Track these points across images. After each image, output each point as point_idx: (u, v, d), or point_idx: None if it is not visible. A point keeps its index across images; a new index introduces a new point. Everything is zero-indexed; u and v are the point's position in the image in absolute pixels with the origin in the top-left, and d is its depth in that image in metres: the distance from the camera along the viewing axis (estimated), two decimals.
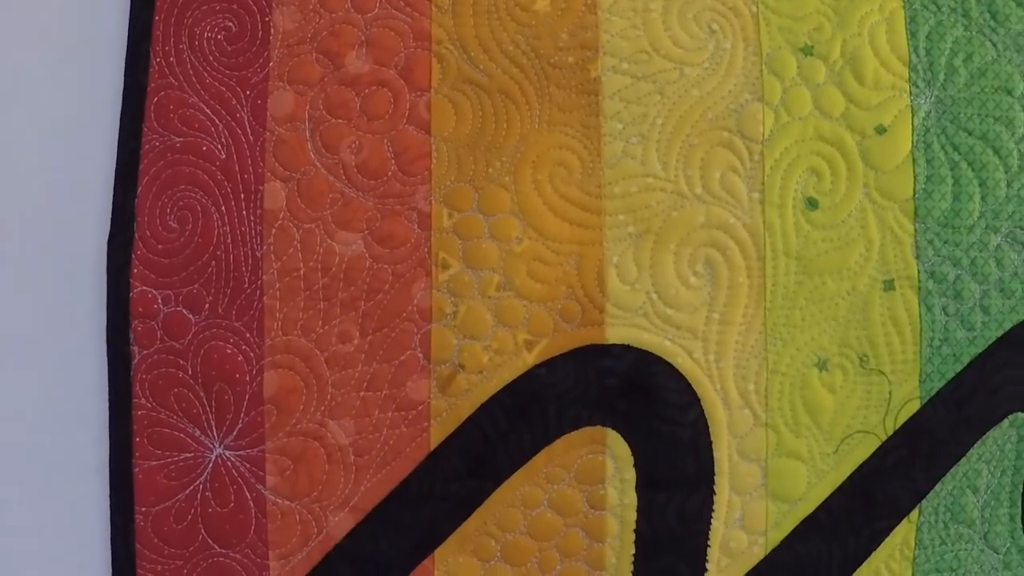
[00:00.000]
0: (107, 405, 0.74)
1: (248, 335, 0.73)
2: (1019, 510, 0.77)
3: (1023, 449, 0.77)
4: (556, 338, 0.73)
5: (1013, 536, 0.77)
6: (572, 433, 0.74)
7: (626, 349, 0.73)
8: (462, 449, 0.73)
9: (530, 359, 0.73)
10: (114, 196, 0.74)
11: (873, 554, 0.76)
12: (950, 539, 0.77)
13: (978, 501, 0.77)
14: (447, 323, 0.73)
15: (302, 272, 0.73)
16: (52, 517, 0.76)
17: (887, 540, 0.76)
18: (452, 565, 0.75)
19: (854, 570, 0.76)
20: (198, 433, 0.74)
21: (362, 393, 0.73)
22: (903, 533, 0.76)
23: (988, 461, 0.76)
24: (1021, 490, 0.77)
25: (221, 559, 0.75)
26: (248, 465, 0.74)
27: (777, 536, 0.75)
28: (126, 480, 0.74)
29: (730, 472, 0.75)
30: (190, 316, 0.74)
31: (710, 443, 0.74)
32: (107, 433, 0.75)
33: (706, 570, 0.75)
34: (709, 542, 0.75)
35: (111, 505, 0.75)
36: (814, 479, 0.75)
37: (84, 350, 0.75)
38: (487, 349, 0.73)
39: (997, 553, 0.77)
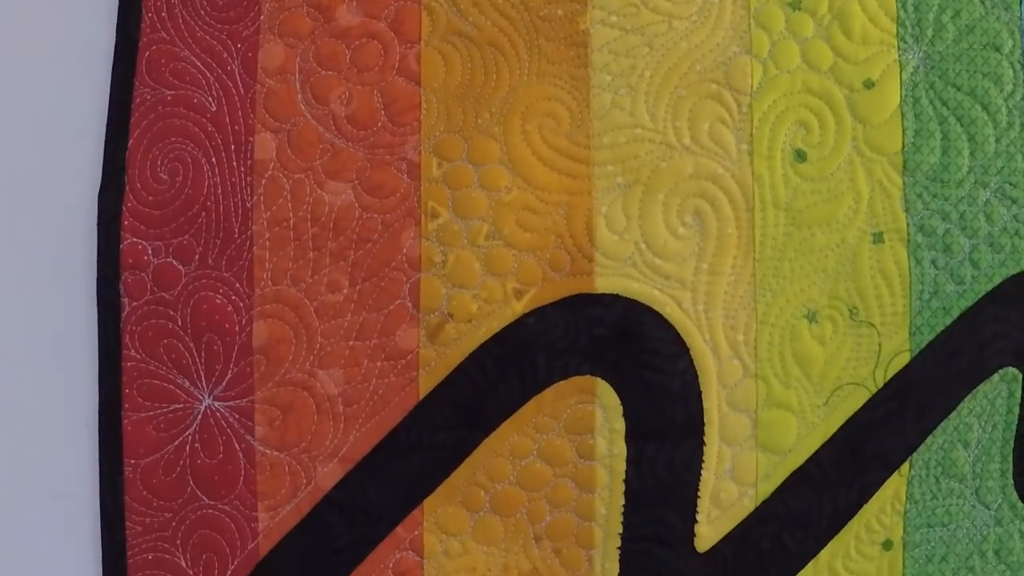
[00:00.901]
0: (96, 358, 0.74)
1: (238, 285, 0.73)
2: (1010, 465, 0.77)
3: (1013, 404, 0.77)
4: (545, 287, 0.73)
5: (1004, 492, 0.77)
6: (561, 382, 0.73)
7: (615, 298, 0.73)
8: (451, 398, 0.73)
9: (519, 308, 0.73)
10: (105, 149, 0.74)
11: (864, 507, 0.76)
12: (941, 494, 0.76)
13: (969, 456, 0.76)
14: (436, 272, 0.73)
15: (292, 222, 0.73)
16: (41, 472, 0.75)
17: (878, 493, 0.76)
18: (441, 516, 0.74)
19: (845, 523, 0.76)
20: (187, 384, 0.74)
21: (351, 342, 0.73)
22: (894, 487, 0.76)
23: (979, 416, 0.76)
24: (1012, 445, 0.77)
25: (210, 511, 0.74)
26: (237, 416, 0.74)
27: (767, 488, 0.75)
28: (115, 433, 0.74)
29: (720, 423, 0.74)
30: (180, 267, 0.74)
31: (699, 393, 0.74)
32: (96, 386, 0.74)
33: (696, 521, 0.75)
34: (699, 493, 0.75)
35: (100, 458, 0.74)
36: (804, 431, 0.75)
37: (74, 303, 0.75)
38: (476, 298, 0.73)
39: (988, 509, 0.77)
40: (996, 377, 0.76)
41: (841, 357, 0.75)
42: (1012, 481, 0.77)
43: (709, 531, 0.75)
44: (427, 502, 0.74)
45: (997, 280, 0.76)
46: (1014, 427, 0.77)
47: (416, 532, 0.74)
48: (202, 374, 0.74)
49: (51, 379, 0.75)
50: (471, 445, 0.74)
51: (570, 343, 0.73)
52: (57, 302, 0.75)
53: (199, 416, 0.74)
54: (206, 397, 0.74)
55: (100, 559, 0.76)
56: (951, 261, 0.76)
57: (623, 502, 0.74)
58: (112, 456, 0.74)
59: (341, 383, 0.73)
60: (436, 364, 0.73)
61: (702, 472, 0.74)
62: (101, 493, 0.75)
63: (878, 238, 0.75)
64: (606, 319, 0.73)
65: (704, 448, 0.74)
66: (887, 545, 0.76)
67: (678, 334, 0.74)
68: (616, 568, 0.75)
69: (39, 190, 0.75)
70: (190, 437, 0.74)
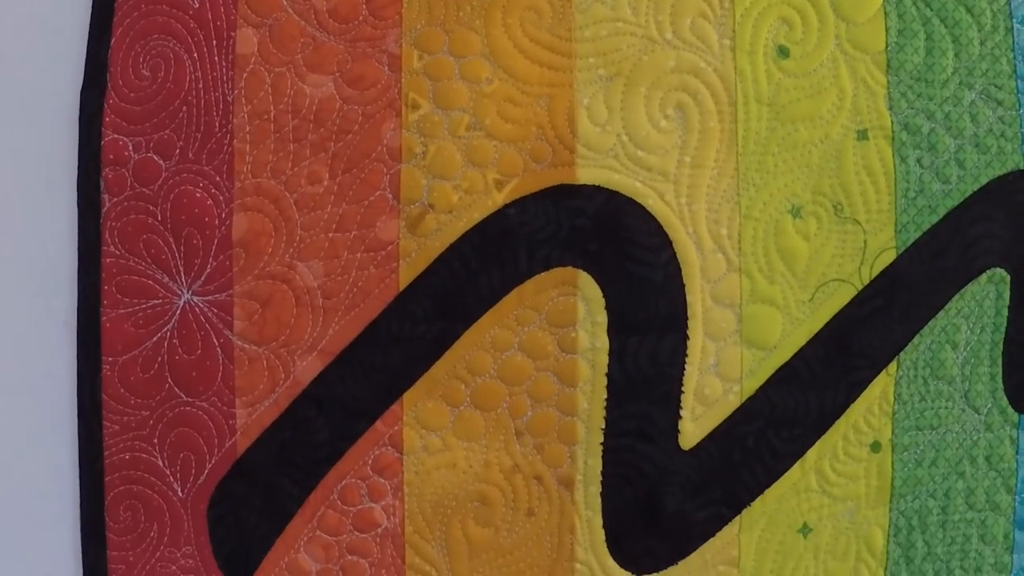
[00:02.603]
0: (76, 254, 0.74)
1: (218, 179, 0.73)
2: (999, 369, 0.76)
3: (1002, 306, 0.76)
4: (526, 178, 0.73)
5: (994, 396, 0.76)
6: (543, 274, 0.73)
7: (597, 190, 0.73)
8: (431, 290, 0.73)
9: (500, 198, 0.73)
10: (88, 46, 0.74)
11: (851, 407, 0.75)
12: (930, 395, 0.75)
13: (958, 357, 0.75)
14: (417, 163, 0.73)
15: (272, 115, 0.73)
16: (17, 371, 0.75)
17: (865, 393, 0.75)
18: (421, 410, 0.73)
19: (832, 422, 0.75)
20: (166, 279, 0.73)
21: (331, 234, 0.73)
22: (881, 386, 0.75)
23: (967, 316, 0.75)
24: (1001, 349, 0.76)
25: (187, 408, 0.73)
26: (216, 310, 0.73)
27: (752, 384, 0.74)
28: (93, 330, 0.74)
29: (703, 317, 0.73)
30: (160, 162, 0.73)
31: (683, 286, 0.73)
32: (75, 282, 0.74)
33: (680, 417, 0.74)
34: (683, 388, 0.74)
35: (78, 356, 0.74)
36: (789, 327, 0.74)
37: (54, 199, 0.74)
38: (457, 189, 0.73)
39: (978, 413, 0.76)
40: (984, 278, 0.75)
41: (826, 253, 0.74)
42: (1002, 385, 0.76)
43: (694, 428, 0.74)
44: (407, 396, 0.73)
45: (983, 180, 0.76)
46: (1003, 330, 0.76)
47: (396, 427, 0.73)
48: (181, 269, 0.73)
49: (30, 277, 0.74)
50: (451, 338, 0.73)
51: (551, 234, 0.72)
52: (37, 200, 0.75)
53: (178, 311, 0.73)
54: (185, 292, 0.73)
55: (77, 462, 0.74)
56: (936, 160, 0.75)
57: (606, 396, 0.73)
58: (90, 354, 0.74)
59: (320, 275, 0.73)
60: (416, 255, 0.73)
61: (686, 367, 0.73)
62: (79, 392, 0.74)
63: (862, 135, 0.75)
64: (587, 210, 0.73)
65: (688, 342, 0.73)
66: (875, 447, 0.75)
67: (661, 226, 0.73)
68: (599, 464, 0.74)
69: (20, 89, 0.75)
70: (168, 333, 0.73)
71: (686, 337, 0.73)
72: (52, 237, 0.74)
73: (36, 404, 0.75)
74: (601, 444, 0.73)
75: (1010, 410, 0.76)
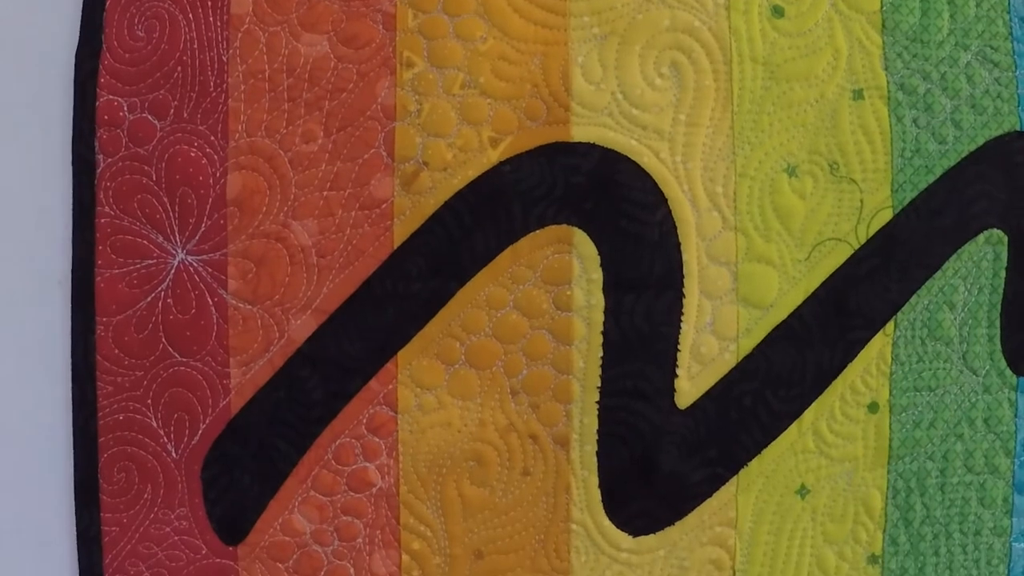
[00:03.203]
0: (71, 215, 0.74)
1: (212, 138, 0.73)
2: (998, 331, 0.76)
3: (999, 268, 0.75)
4: (521, 136, 0.73)
5: (992, 358, 0.76)
6: (538, 232, 0.73)
7: (591, 147, 0.73)
8: (426, 247, 0.72)
9: (494, 156, 0.73)
10: (83, 8, 0.74)
11: (849, 366, 0.74)
12: (927, 356, 0.75)
13: (955, 318, 0.75)
14: (411, 121, 0.73)
15: (267, 74, 0.73)
16: (11, 332, 0.75)
17: (862, 353, 0.74)
18: (416, 369, 0.73)
19: (829, 382, 0.74)
20: (161, 239, 0.73)
21: (325, 192, 0.73)
22: (879, 346, 0.74)
23: (964, 277, 0.75)
24: (1000, 310, 0.75)
25: (181, 368, 0.73)
26: (210, 269, 0.73)
27: (749, 343, 0.74)
28: (87, 290, 0.73)
29: (699, 275, 0.73)
30: (155, 122, 0.73)
31: (678, 244, 0.73)
32: (70, 243, 0.74)
33: (676, 376, 0.73)
34: (679, 347, 0.73)
35: (72, 316, 0.73)
36: (786, 285, 0.74)
37: (49, 160, 0.74)
38: (451, 146, 0.73)
39: (976, 375, 0.75)
40: (981, 238, 0.75)
41: (822, 212, 0.74)
42: (1000, 347, 0.76)
43: (690, 387, 0.74)
44: (401, 355, 0.73)
45: (980, 141, 0.75)
46: (1001, 291, 0.75)
47: (390, 386, 0.73)
48: (176, 228, 0.73)
49: (24, 239, 0.74)
50: (446, 295, 0.73)
51: (546, 191, 0.72)
52: (32, 161, 0.75)
53: (172, 271, 0.73)
54: (179, 251, 0.73)
55: (71, 424, 0.74)
56: (933, 120, 0.75)
57: (601, 354, 0.73)
58: (84, 315, 0.73)
59: (315, 234, 0.73)
60: (411, 213, 0.72)
61: (682, 325, 0.73)
62: (72, 353, 0.74)
63: (858, 95, 0.74)
64: (582, 167, 0.72)
65: (683, 300, 0.73)
66: (873, 407, 0.75)
67: (655, 184, 0.73)
68: (595, 423, 0.73)
69: (15, 51, 0.75)
70: (163, 293, 0.73)
71: (682, 295, 0.73)
72: (47, 199, 0.74)
73: (30, 367, 0.74)
74: (597, 403, 0.73)
75: (1008, 372, 0.76)
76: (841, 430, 0.75)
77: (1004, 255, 0.75)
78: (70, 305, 0.74)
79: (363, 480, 0.73)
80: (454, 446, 0.73)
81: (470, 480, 0.74)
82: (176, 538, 0.74)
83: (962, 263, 0.75)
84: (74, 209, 0.74)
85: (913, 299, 0.75)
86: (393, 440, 0.73)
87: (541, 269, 0.73)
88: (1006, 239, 0.75)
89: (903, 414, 0.75)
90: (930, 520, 0.76)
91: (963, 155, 0.75)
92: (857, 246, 0.74)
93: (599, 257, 0.73)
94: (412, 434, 0.73)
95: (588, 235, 0.73)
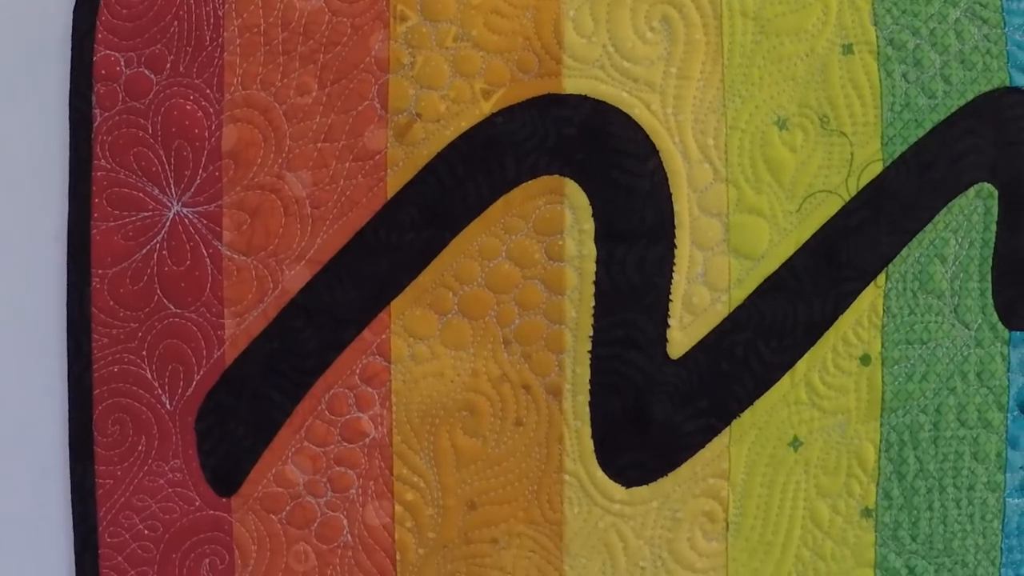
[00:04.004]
0: (67, 169, 0.74)
1: (208, 91, 0.74)
2: (989, 285, 0.76)
3: (990, 221, 0.76)
4: (513, 88, 0.73)
5: (984, 312, 0.76)
6: (530, 182, 0.73)
7: (583, 99, 0.73)
8: (419, 197, 0.73)
9: (487, 108, 0.73)
10: None
11: (840, 318, 0.75)
12: (919, 309, 0.75)
13: (947, 272, 0.75)
14: (404, 73, 0.73)
15: (262, 28, 0.74)
16: (8, 284, 0.75)
17: (854, 304, 0.75)
18: (409, 319, 0.73)
19: (821, 334, 0.75)
20: (156, 192, 0.74)
21: (319, 144, 0.73)
22: (870, 298, 0.75)
23: (955, 231, 0.75)
24: (991, 264, 0.76)
25: (176, 319, 0.74)
26: (205, 221, 0.73)
27: (740, 294, 0.74)
28: (83, 243, 0.74)
29: (691, 226, 0.74)
30: (152, 76, 0.74)
31: (669, 195, 0.74)
32: (67, 199, 0.74)
33: (668, 325, 0.74)
34: (671, 297, 0.74)
35: (68, 269, 0.74)
36: (777, 237, 0.74)
37: (46, 116, 0.75)
38: (444, 98, 0.73)
39: (968, 329, 0.76)
40: (972, 192, 0.75)
41: (813, 164, 0.74)
42: (992, 301, 0.76)
43: (682, 337, 0.74)
44: (394, 305, 0.73)
45: (969, 97, 0.76)
46: (992, 245, 0.76)
47: (383, 336, 0.73)
48: (171, 181, 0.74)
49: (20, 193, 0.75)
50: (439, 245, 0.73)
51: (538, 142, 0.73)
52: (28, 117, 0.75)
53: (167, 223, 0.74)
54: (175, 204, 0.74)
55: (66, 371, 0.74)
56: (922, 75, 0.75)
57: (593, 304, 0.73)
58: (80, 267, 0.74)
59: (309, 185, 0.73)
60: (404, 164, 0.73)
61: (673, 276, 0.74)
62: (68, 305, 0.74)
63: (847, 49, 0.75)
64: (574, 119, 0.73)
65: (675, 251, 0.74)
66: (865, 360, 0.75)
67: (647, 135, 0.73)
68: (587, 373, 0.73)
69: (12, 9, 0.76)
70: (158, 245, 0.74)
71: (673, 246, 0.74)
72: (43, 153, 0.75)
73: (24, 320, 0.75)
74: (589, 352, 0.73)
75: (1000, 326, 0.76)
76: (833, 382, 0.75)
77: (995, 209, 0.76)
78: (66, 260, 0.74)
79: (356, 430, 0.74)
80: (447, 396, 0.74)
81: (463, 430, 0.74)
82: (170, 490, 0.74)
83: (953, 216, 0.75)
84: (71, 163, 0.74)
85: (904, 252, 0.75)
86: (386, 390, 0.74)
87: (533, 219, 0.73)
88: (996, 194, 0.76)
89: (895, 367, 0.75)
90: (924, 474, 0.76)
91: (952, 110, 0.76)
92: (848, 198, 0.75)
93: (591, 207, 0.73)
94: (405, 384, 0.74)
95: (580, 185, 0.73)
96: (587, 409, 0.74)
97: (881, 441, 0.76)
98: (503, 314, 0.73)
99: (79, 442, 0.74)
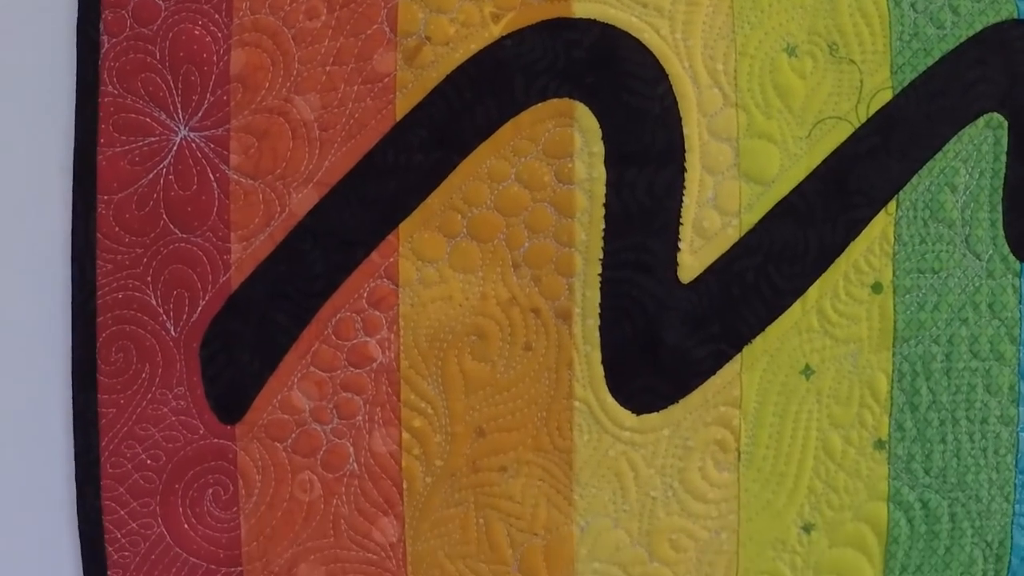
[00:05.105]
0: (74, 95, 0.74)
1: (216, 16, 0.74)
2: (1000, 216, 0.75)
3: (1000, 152, 0.76)
4: (523, 11, 0.73)
5: (995, 243, 0.75)
6: (539, 105, 0.73)
7: (592, 23, 0.73)
8: (428, 120, 0.73)
9: (496, 31, 0.73)
10: None
11: (851, 245, 0.74)
12: (930, 238, 0.75)
13: (957, 201, 0.75)
14: None
15: None
16: (12, 212, 0.74)
17: (865, 231, 0.74)
18: (417, 241, 0.73)
19: (832, 260, 0.74)
20: (163, 117, 0.73)
21: (328, 68, 0.73)
22: (881, 225, 0.74)
23: (965, 160, 0.75)
24: (1001, 195, 0.75)
25: (182, 244, 0.73)
26: (212, 145, 0.73)
27: (751, 218, 0.74)
28: (89, 168, 0.73)
29: (701, 150, 0.73)
30: (160, 2, 0.74)
31: (679, 119, 0.73)
32: (72, 124, 0.74)
33: (679, 249, 0.73)
34: (682, 221, 0.73)
35: (73, 194, 0.73)
36: (787, 162, 0.74)
37: (54, 42, 0.75)
38: (454, 21, 0.73)
39: (980, 259, 0.75)
40: (981, 122, 0.75)
41: (822, 91, 0.74)
42: (1003, 232, 0.75)
43: (693, 261, 0.73)
44: (403, 227, 0.73)
45: (977, 27, 0.76)
46: (1002, 175, 0.76)
47: (391, 259, 0.73)
48: (178, 105, 0.73)
49: (25, 119, 0.74)
50: (448, 167, 0.73)
51: (548, 65, 0.73)
52: (36, 44, 0.75)
53: (174, 147, 0.73)
54: (182, 128, 0.73)
55: (70, 302, 0.74)
56: (930, 6, 0.75)
57: (603, 227, 0.73)
58: (85, 193, 0.73)
59: (317, 108, 0.73)
60: (413, 86, 0.73)
61: (684, 199, 0.73)
62: (73, 231, 0.73)
63: None
64: (583, 43, 0.73)
65: (685, 175, 0.73)
66: (877, 288, 0.74)
67: (656, 60, 0.73)
68: (598, 296, 0.73)
69: None
70: (164, 169, 0.73)
71: (684, 170, 0.73)
72: (51, 80, 0.74)
73: (29, 247, 0.74)
74: (599, 276, 0.73)
75: (1012, 258, 0.76)
76: (845, 310, 0.74)
77: (1004, 140, 0.75)
78: (71, 186, 0.73)
79: (363, 355, 0.73)
80: (455, 320, 0.73)
81: (471, 355, 0.73)
82: (173, 418, 0.73)
83: (963, 146, 0.75)
84: (78, 89, 0.74)
85: (914, 180, 0.75)
86: (394, 314, 0.73)
87: (543, 142, 0.73)
88: (1006, 124, 0.75)
89: (907, 295, 0.75)
90: (936, 406, 0.75)
91: (961, 40, 0.75)
92: (857, 125, 0.74)
93: (600, 130, 0.73)
94: (413, 308, 0.73)
95: (589, 108, 0.73)
96: (597, 333, 0.73)
97: (893, 371, 0.75)
98: (512, 237, 0.73)
99: (82, 371, 0.73)
